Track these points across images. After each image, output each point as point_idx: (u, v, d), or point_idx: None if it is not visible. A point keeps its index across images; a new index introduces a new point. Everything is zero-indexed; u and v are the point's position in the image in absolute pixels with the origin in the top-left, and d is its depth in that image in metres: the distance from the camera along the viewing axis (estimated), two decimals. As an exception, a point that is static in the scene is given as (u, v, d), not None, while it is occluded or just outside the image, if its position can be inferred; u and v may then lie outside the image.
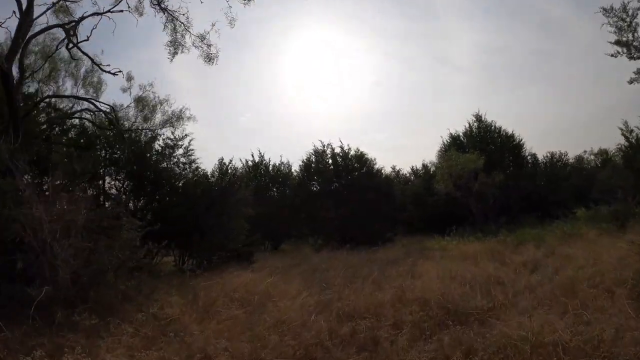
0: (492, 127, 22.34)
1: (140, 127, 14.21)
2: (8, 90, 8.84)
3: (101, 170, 12.16)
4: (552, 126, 40.38)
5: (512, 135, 22.28)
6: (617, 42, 11.85)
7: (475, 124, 22.53)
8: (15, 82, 9.57)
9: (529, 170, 22.23)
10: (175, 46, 11.46)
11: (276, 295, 7.05)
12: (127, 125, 14.47)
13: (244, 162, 20.34)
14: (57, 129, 13.24)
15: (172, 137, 13.02)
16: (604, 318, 4.31)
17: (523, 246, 11.02)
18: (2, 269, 6.83)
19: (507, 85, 47.62)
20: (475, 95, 47.22)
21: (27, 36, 9.32)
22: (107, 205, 10.84)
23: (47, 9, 9.95)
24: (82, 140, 12.84)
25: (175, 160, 12.86)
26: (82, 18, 10.33)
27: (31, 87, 13.73)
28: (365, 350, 4.41)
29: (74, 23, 10.40)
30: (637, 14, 11.70)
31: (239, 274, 9.14)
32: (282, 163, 20.88)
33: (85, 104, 13.63)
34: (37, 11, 10.10)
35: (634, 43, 11.56)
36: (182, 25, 10.95)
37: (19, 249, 6.85)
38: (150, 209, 12.21)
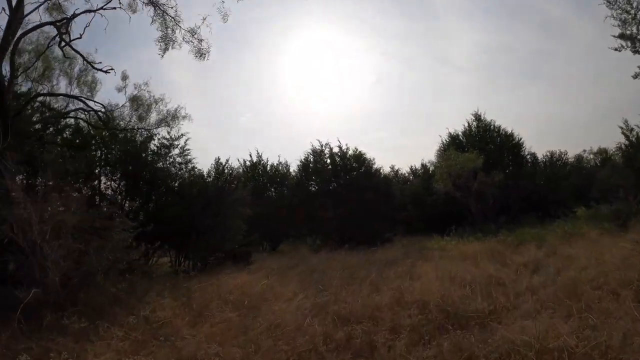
0: (491, 126, 22.26)
1: (135, 127, 14.00)
2: (-2, 89, 8.66)
3: (97, 170, 12.00)
4: (552, 126, 40.36)
5: (512, 135, 22.21)
6: (621, 36, 11.58)
7: (474, 123, 22.45)
8: (6, 80, 9.40)
9: (528, 169, 22.13)
10: (166, 42, 11.25)
11: (272, 298, 6.94)
12: (122, 124, 14.26)
13: (241, 162, 20.22)
14: (51, 128, 13.06)
15: (167, 136, 12.91)
16: (610, 322, 4.14)
17: (523, 246, 10.87)
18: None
19: (507, 85, 47.61)
20: (475, 95, 47.29)
21: (18, 34, 9.13)
22: (102, 206, 10.67)
23: (38, 6, 9.77)
24: (77, 141, 12.66)
25: (171, 160, 12.76)
26: (74, 15, 10.16)
27: (25, 87, 13.66)
28: (361, 357, 4.26)
29: (65, 20, 10.19)
30: (642, 6, 11.41)
31: (235, 275, 9.04)
32: (280, 163, 20.77)
33: (81, 104, 13.48)
34: (28, 9, 10.00)
35: (639, 36, 11.28)
36: (173, 20, 10.73)
37: (9, 250, 6.72)
38: (146, 209, 12.11)
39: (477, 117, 22.42)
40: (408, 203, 21.49)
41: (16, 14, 8.54)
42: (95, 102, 12.89)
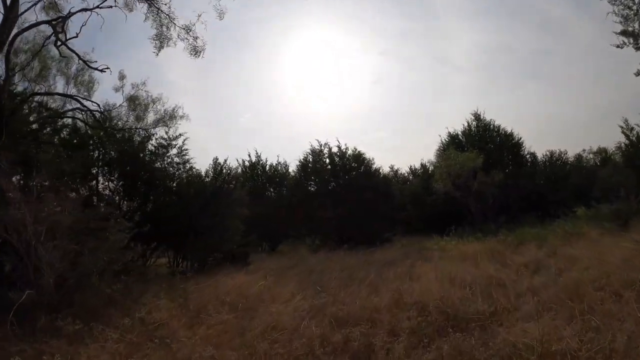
0: (491, 126, 22.17)
1: (133, 127, 13.91)
2: (-7, 88, 8.58)
3: (94, 171, 11.92)
4: (552, 126, 40.26)
5: (511, 134, 22.12)
6: (623, 32, 11.45)
7: (473, 122, 22.36)
8: (1, 80, 9.32)
9: (528, 169, 22.03)
10: (161, 39, 11.17)
11: (269, 299, 6.86)
12: (120, 124, 14.16)
13: (240, 162, 20.11)
14: (48, 128, 12.98)
15: (165, 136, 12.85)
16: (614, 324, 4.04)
17: (524, 246, 10.78)
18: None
19: (507, 85, 47.55)
20: (475, 95, 47.21)
21: (13, 33, 9.06)
22: (99, 206, 10.59)
23: (33, 5, 9.65)
24: (74, 141, 12.57)
25: (169, 160, 12.69)
26: (70, 14, 10.06)
27: (23, 87, 13.55)
28: (359, 360, 4.16)
29: (60, 19, 10.09)
30: (645, 2, 11.26)
31: (232, 276, 8.93)
32: (279, 163, 20.67)
33: (78, 104, 13.37)
34: (25, 7, 9.91)
35: (641, 32, 11.15)
36: (167, 17, 10.63)
37: (3, 251, 6.64)
38: (144, 209, 12.02)
39: (477, 117, 22.34)
40: (407, 203, 21.41)
41: (10, 13, 8.46)
42: (92, 101, 12.81)
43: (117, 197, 12.05)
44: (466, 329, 4.60)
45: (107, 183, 12.11)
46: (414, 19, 49.23)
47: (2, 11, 8.50)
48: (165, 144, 12.67)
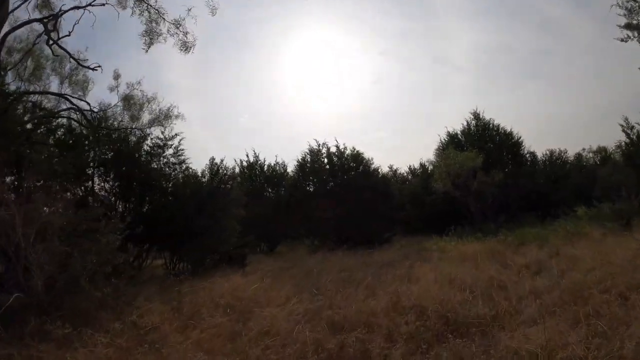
0: (491, 125, 22.02)
1: (128, 127, 13.74)
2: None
3: (90, 171, 11.75)
4: (552, 126, 40.17)
5: (511, 133, 21.99)
6: (627, 26, 11.21)
7: (473, 121, 22.20)
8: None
9: (528, 168, 21.90)
10: (151, 35, 10.98)
11: (264, 302, 6.68)
12: (115, 124, 13.99)
13: (238, 162, 19.95)
14: (42, 128, 12.82)
15: (161, 136, 12.67)
16: (621, 329, 3.86)
17: (525, 246, 10.64)
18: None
19: (507, 85, 47.48)
20: (475, 95, 47.22)
21: (4, 31, 8.88)
22: (93, 207, 10.43)
23: (23, 2, 9.46)
24: (70, 142, 12.42)
25: (165, 160, 12.53)
26: (62, 12, 9.89)
27: (20, 87, 13.37)
28: (355, 367, 3.99)
29: (52, 17, 9.91)
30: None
31: (228, 277, 8.78)
32: (277, 163, 20.51)
33: (73, 103, 13.20)
34: (16, 6, 9.74)
35: (646, 26, 10.91)
36: (157, 12, 10.44)
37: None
38: (139, 210, 11.88)
39: (476, 116, 22.19)
40: (407, 203, 21.28)
41: (0, 11, 8.27)
42: (84, 101, 12.61)
43: (112, 198, 11.90)
44: (466, 335, 4.42)
45: (102, 184, 11.98)
46: (414, 19, 49.20)
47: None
48: (161, 144, 12.51)
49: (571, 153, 23.89)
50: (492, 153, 20.25)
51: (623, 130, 18.91)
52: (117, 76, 14.09)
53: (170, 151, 12.48)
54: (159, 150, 12.47)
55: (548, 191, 20.54)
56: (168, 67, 42.13)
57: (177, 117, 14.51)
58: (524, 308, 5.16)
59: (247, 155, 20.22)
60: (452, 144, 21.26)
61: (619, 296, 5.02)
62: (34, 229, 6.52)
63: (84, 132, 12.73)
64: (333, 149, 18.51)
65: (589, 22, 39.13)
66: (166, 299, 7.03)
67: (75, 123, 13.11)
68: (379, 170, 19.72)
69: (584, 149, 24.49)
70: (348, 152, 18.44)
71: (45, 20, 9.95)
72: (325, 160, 18.61)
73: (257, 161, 20.22)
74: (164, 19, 10.95)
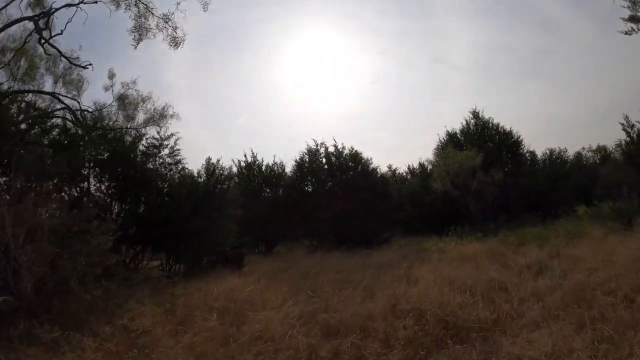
0: (490, 124, 21.81)
1: (123, 127, 13.57)
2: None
3: (85, 172, 11.59)
4: (552, 125, 40.10)
5: (510, 132, 21.76)
6: (632, 19, 10.98)
7: (472, 120, 22.01)
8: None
9: (527, 167, 21.72)
10: (140, 31, 10.79)
11: (259, 304, 6.52)
12: (110, 124, 13.83)
13: (236, 162, 19.78)
14: (37, 128, 12.66)
15: (157, 136, 12.55)
16: (629, 334, 3.69)
17: (525, 246, 10.48)
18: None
19: (507, 85, 47.43)
20: (474, 95, 47.26)
21: (-7, 29, 8.71)
22: (89, 207, 10.28)
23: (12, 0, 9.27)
24: (65, 142, 12.26)
25: (161, 160, 12.39)
26: (53, 9, 9.72)
27: (13, 86, 13.20)
28: (349, 375, 3.82)
29: (43, 14, 9.73)
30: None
31: (224, 279, 8.65)
32: (275, 163, 20.32)
33: (66, 103, 13.04)
34: (10, 5, 9.57)
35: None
36: (145, 6, 10.24)
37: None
38: (135, 211, 11.73)
39: (475, 115, 22.01)
40: (406, 203, 21.10)
41: (-10, 8, 8.10)
42: (78, 101, 12.42)
43: (108, 199, 11.76)
44: (467, 340, 4.25)
45: (98, 184, 11.83)
46: (414, 19, 49.15)
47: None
48: (157, 144, 12.39)
49: (571, 152, 23.81)
50: (491, 152, 20.07)
51: (623, 129, 18.80)
52: (111, 75, 13.95)
53: (166, 151, 12.40)
54: (155, 151, 12.35)
55: (548, 191, 20.38)
56: (168, 68, 42.12)
57: (172, 116, 14.34)
58: (525, 311, 4.99)
59: (245, 156, 20.06)
60: (451, 143, 21.06)
61: (625, 298, 4.85)
62: (24, 230, 6.38)
63: (79, 132, 12.59)
64: (331, 149, 18.38)
65: (589, 21, 39.08)
66: (159, 301, 6.83)
67: (70, 123, 12.98)
68: (378, 170, 19.56)
69: (583, 148, 24.42)
70: (346, 151, 18.27)
71: (36, 18, 9.77)
72: (324, 160, 18.45)
73: (255, 161, 20.05)
74: (152, 13, 10.76)
